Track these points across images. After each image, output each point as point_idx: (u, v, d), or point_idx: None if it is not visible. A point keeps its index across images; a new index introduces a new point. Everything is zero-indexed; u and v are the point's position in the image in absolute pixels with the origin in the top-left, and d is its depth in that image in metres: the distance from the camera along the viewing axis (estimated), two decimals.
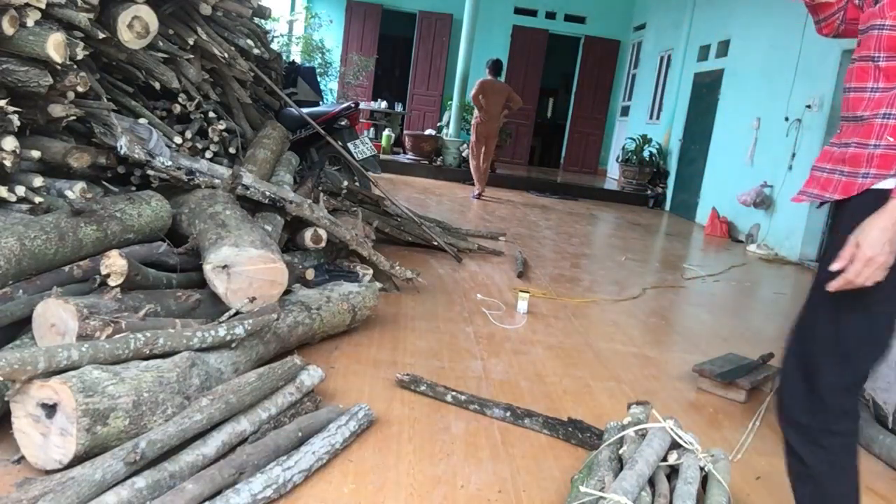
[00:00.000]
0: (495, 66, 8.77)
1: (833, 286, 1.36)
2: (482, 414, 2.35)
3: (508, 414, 2.33)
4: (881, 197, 1.36)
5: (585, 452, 2.13)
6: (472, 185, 9.59)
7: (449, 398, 2.40)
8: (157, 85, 3.47)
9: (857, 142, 1.45)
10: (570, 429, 2.25)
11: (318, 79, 8.15)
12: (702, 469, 1.71)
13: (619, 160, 11.36)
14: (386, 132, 11.99)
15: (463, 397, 2.40)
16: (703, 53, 9.96)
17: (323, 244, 3.38)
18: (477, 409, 2.37)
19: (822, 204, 1.57)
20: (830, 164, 1.51)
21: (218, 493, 1.59)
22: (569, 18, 13.27)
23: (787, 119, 7.37)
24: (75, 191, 2.68)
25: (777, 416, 1.54)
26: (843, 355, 1.43)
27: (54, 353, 1.67)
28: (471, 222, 6.53)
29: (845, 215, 1.44)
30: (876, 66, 1.43)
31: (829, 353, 1.43)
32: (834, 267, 1.35)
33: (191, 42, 3.61)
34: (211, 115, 3.87)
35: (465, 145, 11.13)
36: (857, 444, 1.51)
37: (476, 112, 8.85)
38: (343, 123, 5.64)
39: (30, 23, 2.49)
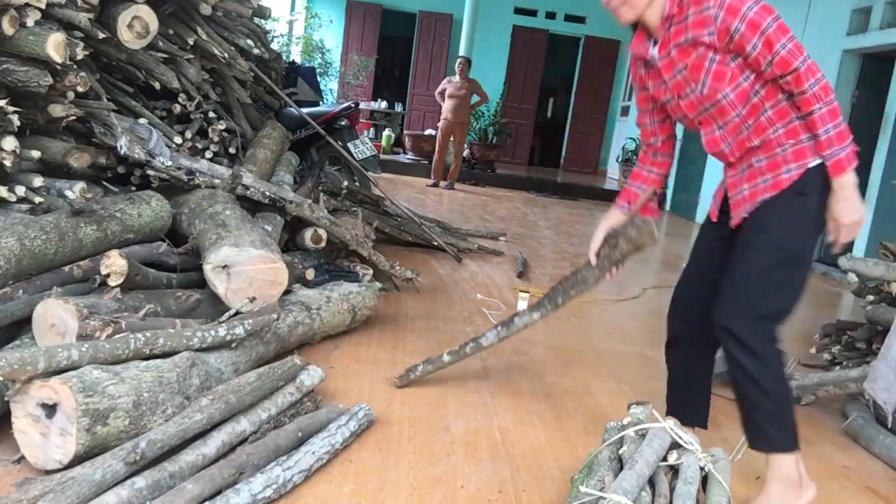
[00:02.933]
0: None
1: (836, 250, 1.93)
2: (478, 351, 2.45)
3: (501, 329, 2.38)
4: (811, 174, 1.82)
5: (586, 452, 2.13)
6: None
7: (446, 358, 2.46)
8: (157, 85, 3.46)
9: (765, 156, 1.86)
10: None
11: (318, 79, 8.14)
12: (702, 469, 1.71)
13: (619, 160, 11.35)
14: (386, 132, 11.98)
15: (457, 349, 2.46)
16: None
17: (323, 244, 3.38)
18: (473, 346, 2.42)
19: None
20: (749, 182, 1.90)
21: (218, 493, 1.59)
22: (569, 18, 13.26)
23: None
24: (75, 191, 2.68)
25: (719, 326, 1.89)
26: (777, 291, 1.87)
27: (54, 353, 1.67)
28: (471, 222, 6.53)
29: (777, 203, 1.85)
30: (741, 117, 1.85)
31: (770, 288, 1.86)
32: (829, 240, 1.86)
33: (191, 42, 3.61)
34: (211, 115, 3.87)
35: (465, 144, 11.14)
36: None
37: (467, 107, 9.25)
38: (343, 123, 5.64)
39: (30, 23, 2.49)
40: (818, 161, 1.81)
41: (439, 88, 9.33)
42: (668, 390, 2.21)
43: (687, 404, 2.17)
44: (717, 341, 2.07)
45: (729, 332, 1.85)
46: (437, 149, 9.40)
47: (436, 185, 9.38)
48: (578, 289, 2.22)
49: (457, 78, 9.10)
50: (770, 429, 1.87)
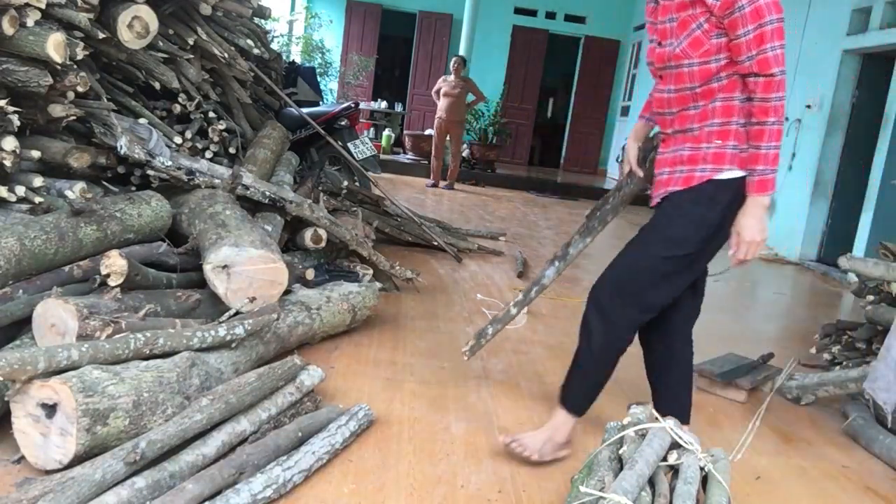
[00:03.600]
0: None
1: (733, 265, 1.93)
2: (542, 291, 2.50)
3: (559, 262, 2.42)
4: (720, 185, 1.86)
5: (586, 452, 2.13)
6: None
7: (513, 311, 2.53)
8: (157, 85, 3.46)
9: (690, 146, 1.90)
10: None
11: (318, 79, 8.14)
12: (702, 469, 1.71)
13: (619, 160, 11.33)
14: (386, 132, 11.98)
15: (521, 297, 2.53)
16: None
17: (323, 244, 3.38)
18: (538, 289, 2.49)
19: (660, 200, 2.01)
20: (669, 167, 1.95)
21: (218, 493, 1.59)
22: (569, 18, 13.25)
23: (787, 119, 7.36)
24: (75, 191, 2.68)
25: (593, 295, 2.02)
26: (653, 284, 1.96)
27: (54, 353, 1.67)
28: (471, 222, 6.53)
29: (684, 200, 1.91)
30: (693, 92, 1.86)
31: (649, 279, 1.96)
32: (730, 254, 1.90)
33: (191, 42, 3.61)
34: (211, 115, 3.87)
35: (464, 144, 11.16)
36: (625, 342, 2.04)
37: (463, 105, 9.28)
38: (343, 123, 5.64)
39: (30, 23, 2.49)
40: (736, 174, 1.85)
41: (435, 87, 9.35)
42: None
43: (662, 399, 2.21)
44: (668, 336, 2.18)
45: (595, 301, 2.00)
46: (433, 148, 9.40)
47: (435, 185, 9.38)
48: (626, 203, 2.34)
49: (452, 77, 9.11)
50: (578, 390, 2.08)
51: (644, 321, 2.02)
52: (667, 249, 1.92)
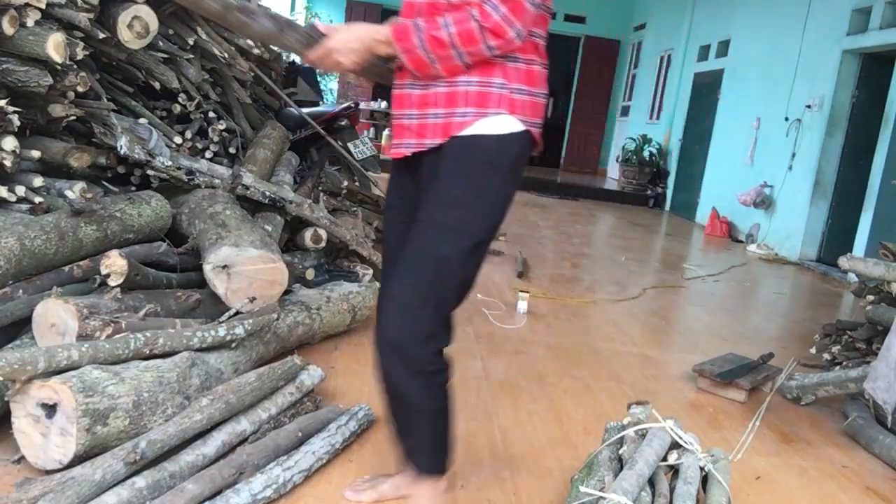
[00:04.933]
0: None
1: (312, 56, 1.53)
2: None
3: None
4: (493, 140, 1.46)
5: (586, 452, 2.13)
6: None
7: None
8: (157, 85, 3.46)
9: (445, 82, 1.47)
10: None
11: (318, 79, 8.13)
12: (702, 469, 1.71)
13: (619, 160, 11.35)
14: (386, 132, 11.98)
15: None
16: (703, 53, 9.96)
17: (323, 244, 3.38)
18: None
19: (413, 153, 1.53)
20: (419, 109, 1.50)
21: (218, 493, 1.59)
22: (569, 18, 13.26)
23: (787, 119, 7.37)
24: (75, 191, 2.68)
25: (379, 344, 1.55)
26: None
27: (54, 353, 1.67)
28: None
29: (450, 156, 1.48)
30: (449, 2, 1.44)
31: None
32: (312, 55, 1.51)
33: (191, 42, 3.61)
34: (211, 115, 3.87)
35: None
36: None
37: None
38: (343, 123, 5.64)
39: (30, 23, 2.49)
40: (514, 126, 1.47)
41: None
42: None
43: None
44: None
45: (395, 349, 1.51)
46: None
47: None
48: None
49: None
50: (428, 450, 1.62)
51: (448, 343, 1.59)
52: (459, 243, 1.52)
